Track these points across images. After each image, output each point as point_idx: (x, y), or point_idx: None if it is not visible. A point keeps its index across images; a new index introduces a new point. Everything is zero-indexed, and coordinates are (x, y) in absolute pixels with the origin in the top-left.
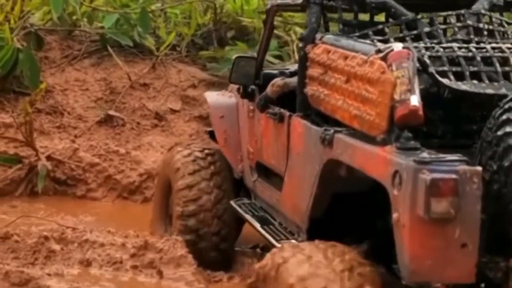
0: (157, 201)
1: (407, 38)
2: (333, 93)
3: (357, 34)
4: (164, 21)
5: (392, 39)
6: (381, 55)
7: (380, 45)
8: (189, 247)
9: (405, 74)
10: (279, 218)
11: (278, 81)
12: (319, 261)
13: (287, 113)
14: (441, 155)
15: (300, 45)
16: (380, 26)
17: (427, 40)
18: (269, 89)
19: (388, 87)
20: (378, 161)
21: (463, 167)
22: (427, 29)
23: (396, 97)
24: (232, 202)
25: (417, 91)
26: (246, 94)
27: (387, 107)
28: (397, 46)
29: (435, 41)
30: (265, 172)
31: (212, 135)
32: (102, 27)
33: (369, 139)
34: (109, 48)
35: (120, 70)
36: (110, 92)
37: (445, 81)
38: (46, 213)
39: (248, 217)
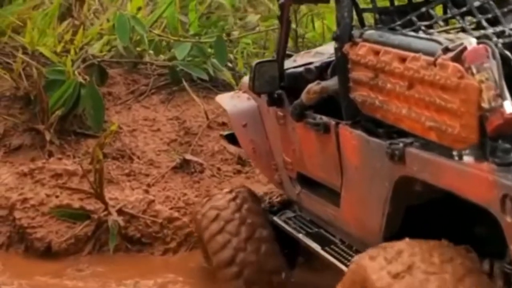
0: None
1: (458, 18)
2: (391, 99)
3: (398, 22)
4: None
5: (440, 22)
6: (451, 55)
7: (444, 41)
8: None
9: (490, 77)
10: (339, 235)
11: (313, 87)
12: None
13: (332, 122)
14: None
15: (336, 45)
16: (423, 9)
17: (480, 17)
18: (304, 97)
19: (472, 95)
20: (477, 182)
21: None
22: (477, 2)
23: (485, 105)
24: (276, 219)
25: (507, 94)
26: (273, 101)
27: (474, 117)
28: (470, 42)
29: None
30: (309, 183)
31: (229, 138)
32: (171, 59)
33: (450, 153)
34: (184, 82)
35: (194, 107)
36: (184, 133)
37: None
38: (120, 277)
39: (301, 236)
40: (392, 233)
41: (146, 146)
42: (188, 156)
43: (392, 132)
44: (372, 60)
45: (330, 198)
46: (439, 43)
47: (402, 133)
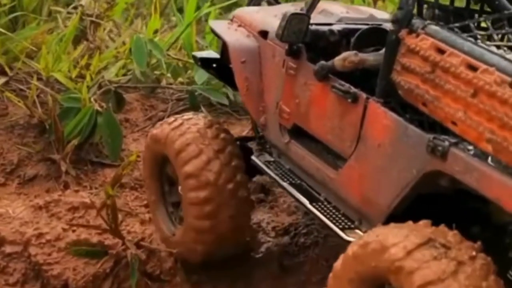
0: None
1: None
2: (446, 98)
3: (456, 25)
4: None
5: (494, 35)
6: None
7: None
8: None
9: None
10: (328, 196)
11: (351, 56)
12: None
13: (363, 95)
14: None
15: (392, 27)
16: (481, 19)
17: None
18: (338, 63)
19: None
20: None
21: None
22: None
23: None
24: (254, 158)
25: None
26: (291, 52)
27: None
28: None
29: None
30: (301, 135)
31: (203, 62)
32: (189, 82)
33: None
34: (202, 108)
35: None
36: None
37: None
38: None
39: (286, 186)
40: (397, 214)
41: None
42: None
43: (419, 120)
44: (434, 56)
45: (326, 159)
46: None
47: (432, 125)
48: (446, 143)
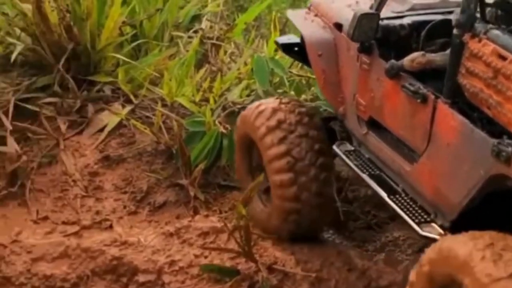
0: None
1: None
2: (507, 103)
3: None
4: None
5: None
6: None
7: None
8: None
9: None
10: (402, 185)
11: (419, 57)
12: None
13: (432, 96)
14: None
15: (455, 31)
16: None
17: None
18: (406, 63)
19: None
20: None
21: None
22: None
23: None
24: (335, 148)
25: None
26: (364, 49)
27: None
28: None
29: None
30: (379, 127)
31: (285, 47)
32: (313, 99)
33: None
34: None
35: None
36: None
37: None
38: None
39: (366, 177)
40: (468, 210)
41: None
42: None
43: (486, 122)
44: (496, 62)
45: (402, 151)
46: None
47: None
48: (510, 148)
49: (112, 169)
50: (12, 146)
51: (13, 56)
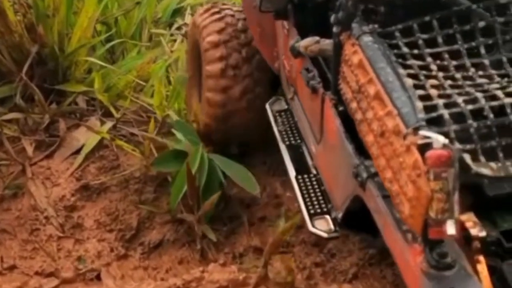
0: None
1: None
2: (365, 124)
3: (400, 26)
4: None
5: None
6: (418, 142)
7: (420, 115)
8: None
9: (444, 188)
10: (316, 166)
11: (312, 46)
12: None
13: (320, 89)
14: None
15: (334, 28)
16: (426, 18)
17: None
18: (302, 48)
19: (423, 198)
20: (409, 271)
21: None
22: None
23: (432, 214)
24: (267, 106)
25: (456, 210)
26: (278, 15)
27: (421, 216)
28: (438, 141)
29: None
30: None
31: None
32: None
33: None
34: None
35: None
36: None
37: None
38: None
39: (283, 148)
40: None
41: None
42: None
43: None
44: (359, 77)
45: (314, 130)
46: (415, 112)
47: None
48: (365, 174)
49: (92, 201)
50: None
51: None
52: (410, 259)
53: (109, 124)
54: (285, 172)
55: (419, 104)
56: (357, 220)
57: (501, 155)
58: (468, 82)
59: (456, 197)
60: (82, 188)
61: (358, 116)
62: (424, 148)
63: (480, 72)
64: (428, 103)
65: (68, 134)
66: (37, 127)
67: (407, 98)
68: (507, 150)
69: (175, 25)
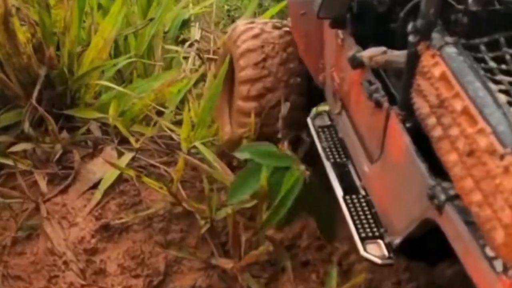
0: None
1: None
2: (447, 142)
3: (485, 39)
4: None
5: None
6: None
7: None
8: None
9: None
10: (365, 186)
11: (378, 56)
12: None
13: (386, 103)
14: None
15: (411, 37)
16: None
17: None
18: (366, 59)
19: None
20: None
21: None
22: None
23: None
24: (309, 120)
25: None
26: (335, 24)
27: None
28: None
29: None
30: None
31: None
32: None
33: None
34: None
35: None
36: None
37: None
38: None
39: (328, 165)
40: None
41: None
42: None
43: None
44: (442, 91)
45: (365, 146)
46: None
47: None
48: (443, 197)
49: (114, 242)
50: None
51: None
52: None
53: (128, 155)
54: None
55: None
56: (412, 248)
57: None
58: None
59: None
60: (102, 228)
61: (437, 133)
62: None
63: None
64: None
65: (83, 166)
66: (48, 157)
67: (501, 115)
68: None
69: (183, 39)
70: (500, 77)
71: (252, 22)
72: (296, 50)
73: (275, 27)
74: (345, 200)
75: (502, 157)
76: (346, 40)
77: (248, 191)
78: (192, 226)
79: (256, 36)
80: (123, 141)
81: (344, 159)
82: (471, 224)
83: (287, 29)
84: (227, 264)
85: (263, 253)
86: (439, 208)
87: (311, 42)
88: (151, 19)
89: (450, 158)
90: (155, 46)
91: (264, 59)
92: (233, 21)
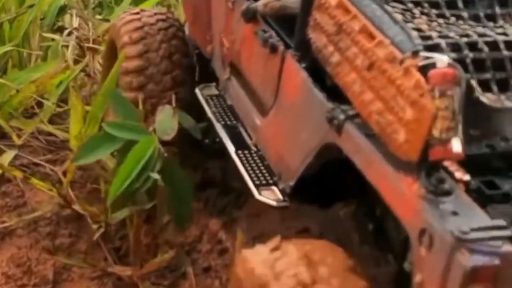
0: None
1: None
2: (345, 64)
3: None
4: None
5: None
6: (419, 63)
7: (417, 39)
8: None
9: (449, 106)
10: (258, 142)
11: (273, 2)
12: None
13: (281, 46)
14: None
15: None
16: None
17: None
18: (261, 8)
19: (426, 118)
20: (403, 201)
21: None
22: None
23: (435, 133)
24: (197, 91)
25: (460, 129)
26: None
27: (421, 138)
28: (442, 61)
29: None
30: (239, 74)
31: None
32: None
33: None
34: None
35: None
36: None
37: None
38: None
39: (218, 127)
40: (306, 178)
41: None
42: None
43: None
44: (340, 17)
45: (257, 102)
46: (410, 39)
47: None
48: (342, 116)
49: None
50: None
51: None
52: (405, 189)
53: (10, 153)
54: (225, 212)
55: (414, 33)
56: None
57: (495, 88)
58: (453, 27)
59: (460, 118)
60: None
61: (334, 59)
62: (424, 69)
63: (461, 22)
64: (421, 34)
65: None
66: None
67: (399, 29)
68: (501, 84)
69: (59, 27)
70: (394, 4)
71: (137, 13)
72: (180, 41)
73: (159, 19)
74: (237, 154)
75: (401, 61)
76: (237, 1)
77: (98, 156)
78: (82, 230)
79: (139, 28)
80: (2, 137)
81: (234, 122)
82: (371, 136)
83: (172, 21)
84: (124, 271)
85: (165, 259)
86: (339, 128)
87: (199, 14)
88: (30, 6)
89: (348, 79)
90: (32, 35)
91: (146, 51)
92: (108, 7)
